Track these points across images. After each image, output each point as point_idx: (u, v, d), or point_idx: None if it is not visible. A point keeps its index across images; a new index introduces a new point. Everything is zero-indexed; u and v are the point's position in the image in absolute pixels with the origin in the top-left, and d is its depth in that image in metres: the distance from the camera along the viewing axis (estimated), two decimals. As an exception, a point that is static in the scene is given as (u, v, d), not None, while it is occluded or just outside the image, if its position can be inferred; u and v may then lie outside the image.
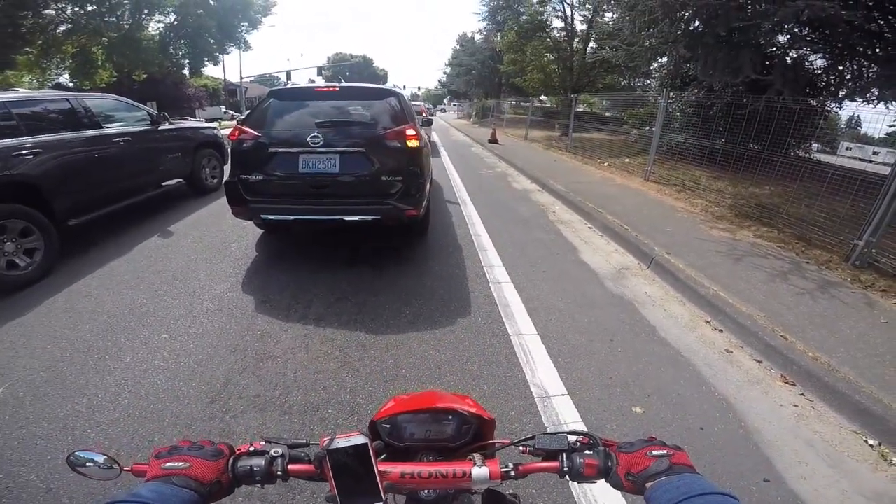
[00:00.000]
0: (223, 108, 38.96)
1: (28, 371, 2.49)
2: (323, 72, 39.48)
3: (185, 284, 3.64)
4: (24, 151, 3.75)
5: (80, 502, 1.70)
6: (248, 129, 3.79)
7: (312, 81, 36.98)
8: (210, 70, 33.24)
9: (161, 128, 5.90)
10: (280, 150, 3.71)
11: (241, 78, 35.01)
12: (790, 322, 3.13)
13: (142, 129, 5.55)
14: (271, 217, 3.85)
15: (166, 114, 6.33)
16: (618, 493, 1.86)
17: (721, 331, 3.25)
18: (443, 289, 3.69)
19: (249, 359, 2.66)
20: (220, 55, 27.45)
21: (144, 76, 23.41)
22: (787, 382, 2.68)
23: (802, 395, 2.57)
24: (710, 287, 3.64)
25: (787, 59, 6.80)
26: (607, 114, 15.22)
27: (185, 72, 27.08)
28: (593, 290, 3.84)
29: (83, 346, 2.74)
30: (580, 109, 16.20)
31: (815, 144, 7.86)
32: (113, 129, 5.05)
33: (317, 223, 4.14)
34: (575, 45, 17.76)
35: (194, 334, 2.90)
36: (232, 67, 62.03)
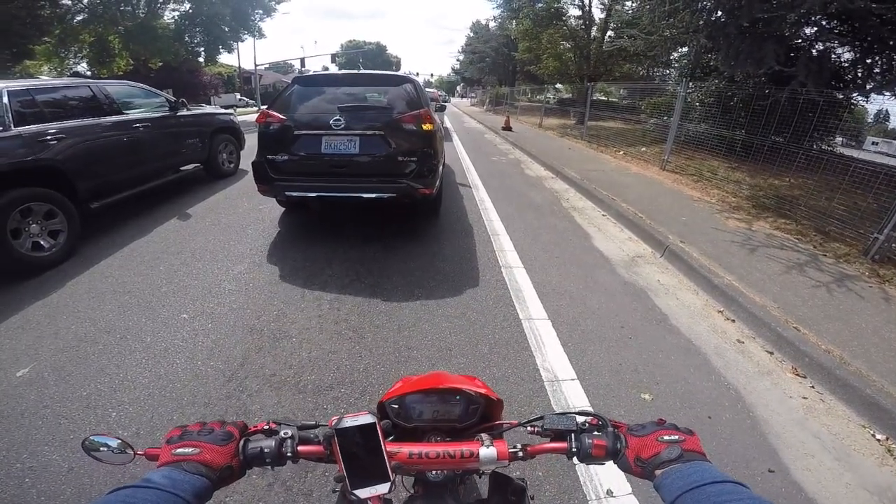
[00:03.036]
0: (238, 96, 39.18)
1: (53, 351, 2.56)
2: (336, 59, 39.24)
3: (204, 265, 3.72)
4: (48, 137, 3.87)
5: (100, 482, 1.74)
6: (274, 114, 4.02)
7: (326, 69, 36.89)
8: (225, 58, 33.39)
9: (179, 114, 6.02)
10: (304, 132, 3.95)
11: (256, 65, 35.05)
12: (804, 314, 3.10)
13: (160, 114, 5.67)
14: (295, 194, 4.09)
15: (184, 100, 6.40)
16: (623, 475, 1.78)
17: (733, 321, 3.23)
18: (454, 272, 3.73)
19: (266, 339, 2.73)
20: (235, 43, 27.44)
21: (160, 64, 23.58)
22: (797, 374, 2.67)
23: (812, 387, 2.55)
24: (724, 277, 3.61)
25: (813, 51, 6.57)
26: (624, 102, 14.88)
27: (201, 59, 27.19)
28: (605, 276, 3.83)
29: (105, 326, 2.82)
30: (596, 98, 15.90)
31: (839, 138, 7.63)
32: (133, 114, 5.16)
33: (337, 200, 4.34)
34: (592, 34, 17.40)
35: (212, 314, 2.98)
36: (247, 55, 62.21)
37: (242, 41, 28.14)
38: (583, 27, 17.58)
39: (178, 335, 2.74)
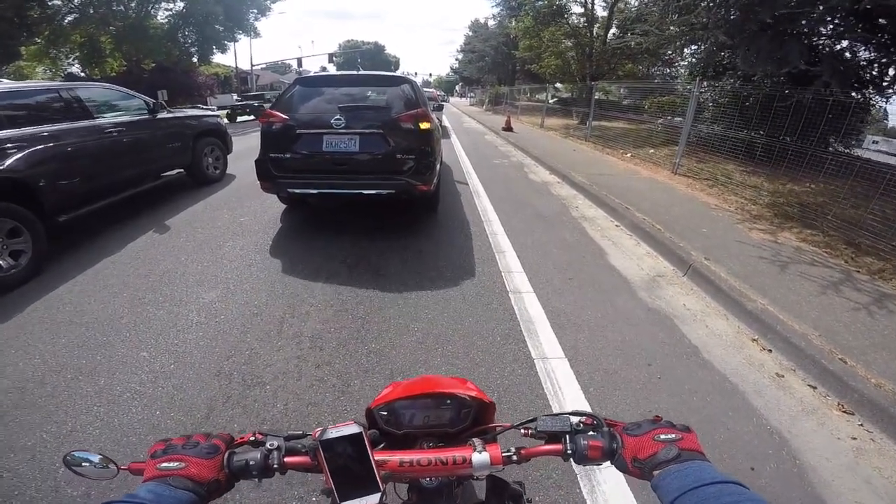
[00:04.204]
0: (235, 96, 38.67)
1: (-4, 392, 2.25)
2: (334, 58, 38.98)
3: (172, 291, 3.32)
4: (7, 146, 3.57)
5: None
6: (276, 113, 4.13)
7: (324, 68, 36.65)
8: (222, 58, 32.96)
9: (158, 116, 5.68)
10: (306, 131, 4.07)
11: (252, 65, 34.75)
12: (847, 342, 2.76)
13: (137, 118, 5.34)
14: (297, 191, 4.24)
15: (163, 102, 6.13)
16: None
17: (770, 350, 2.87)
18: (456, 300, 3.30)
19: (235, 384, 2.34)
20: (228, 42, 26.94)
21: (153, 65, 23.16)
22: (844, 411, 2.36)
23: (861, 425, 2.26)
24: (757, 300, 3.24)
25: (835, 49, 6.16)
26: (625, 102, 14.41)
27: (195, 60, 26.66)
28: (626, 301, 3.42)
29: (56, 364, 2.47)
30: (598, 97, 15.56)
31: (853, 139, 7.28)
32: (106, 119, 4.83)
33: (338, 196, 4.43)
34: (595, 32, 16.96)
35: (176, 352, 2.59)
36: (245, 55, 61.92)
37: (237, 41, 27.68)
38: (585, 24, 17.13)
39: (135, 377, 2.37)
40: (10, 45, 17.40)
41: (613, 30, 16.90)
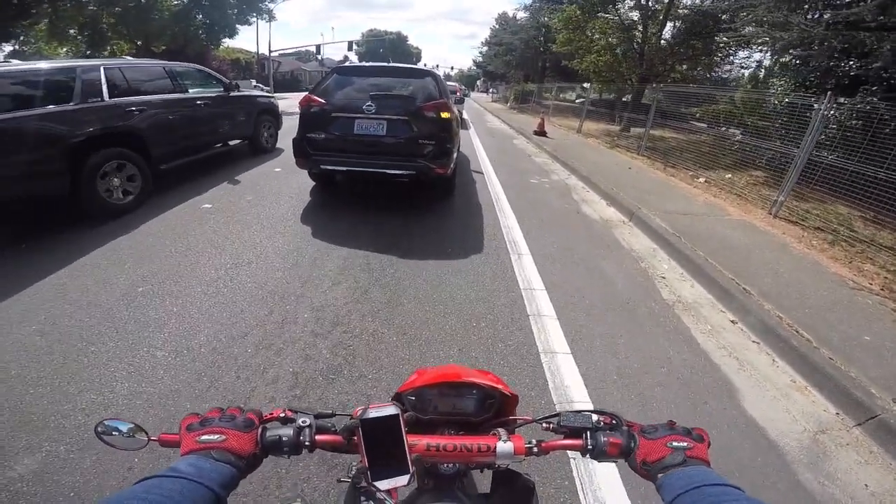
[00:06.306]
0: (253, 82, 37.59)
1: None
2: (355, 46, 37.64)
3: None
4: (133, 108, 4.61)
5: None
6: (315, 97, 4.62)
7: (346, 58, 35.31)
8: (244, 43, 31.78)
9: (232, 94, 6.72)
10: (340, 114, 4.53)
11: (270, 51, 33.62)
12: None
13: (216, 94, 6.35)
14: (328, 167, 4.70)
15: (238, 82, 7.26)
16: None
17: None
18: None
19: None
20: (240, 26, 25.46)
21: (163, 48, 22.06)
22: None
23: None
24: None
25: None
26: (669, 107, 12.49)
27: (204, 44, 25.31)
28: (786, 493, 1.89)
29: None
30: (644, 102, 13.77)
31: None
32: (196, 93, 5.93)
33: (364, 174, 4.85)
34: (649, 29, 14.83)
35: None
36: (266, 40, 61.12)
37: (249, 24, 26.29)
38: (639, 19, 15.02)
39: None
40: (8, 24, 16.37)
41: (669, 26, 14.81)
